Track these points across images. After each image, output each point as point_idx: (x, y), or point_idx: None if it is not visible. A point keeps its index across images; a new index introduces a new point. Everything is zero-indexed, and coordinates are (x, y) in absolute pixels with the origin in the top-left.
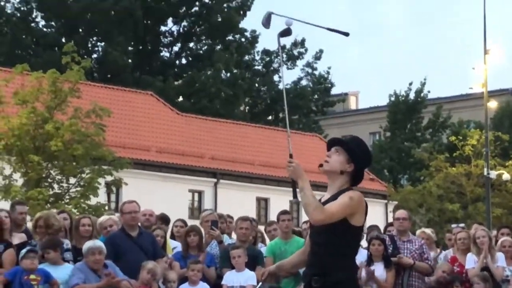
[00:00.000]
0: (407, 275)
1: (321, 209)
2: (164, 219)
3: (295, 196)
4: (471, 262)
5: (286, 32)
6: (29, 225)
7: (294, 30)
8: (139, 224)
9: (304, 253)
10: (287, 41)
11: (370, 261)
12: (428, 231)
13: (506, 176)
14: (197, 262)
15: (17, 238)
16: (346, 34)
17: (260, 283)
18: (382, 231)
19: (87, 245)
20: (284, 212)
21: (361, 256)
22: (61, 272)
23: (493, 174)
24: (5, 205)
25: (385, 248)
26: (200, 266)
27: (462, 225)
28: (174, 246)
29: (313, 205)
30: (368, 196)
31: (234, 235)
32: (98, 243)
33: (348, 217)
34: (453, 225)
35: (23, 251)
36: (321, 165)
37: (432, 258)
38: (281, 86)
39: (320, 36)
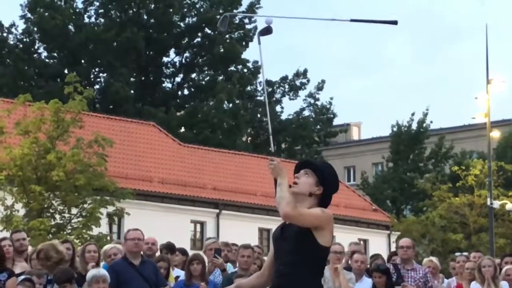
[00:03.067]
0: None
1: (293, 205)
2: (170, 248)
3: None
4: None
5: (266, 31)
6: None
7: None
8: (142, 252)
9: (262, 276)
10: (289, 72)
11: None
12: (435, 260)
13: (509, 206)
14: None
15: (19, 267)
16: (395, 23)
17: None
18: (385, 260)
19: (91, 273)
20: None
21: (365, 285)
22: None
23: (496, 204)
24: (7, 235)
25: (387, 278)
26: None
27: (465, 253)
28: (177, 275)
29: (287, 199)
30: (371, 226)
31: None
32: (102, 271)
33: (316, 234)
34: (457, 254)
35: (19, 280)
36: (289, 186)
37: (436, 286)
38: (285, 115)
39: (322, 66)
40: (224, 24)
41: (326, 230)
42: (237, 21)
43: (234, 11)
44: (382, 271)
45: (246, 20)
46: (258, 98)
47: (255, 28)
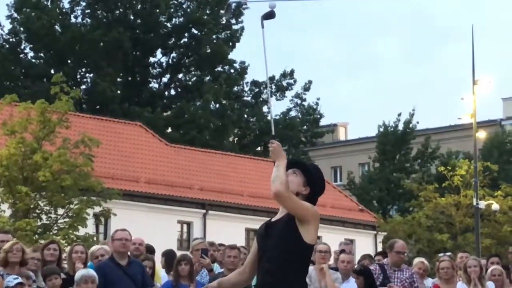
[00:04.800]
0: None
1: (287, 186)
2: (149, 249)
3: None
4: None
5: (269, 15)
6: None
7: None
8: (129, 253)
9: (243, 273)
10: (276, 72)
11: None
12: (426, 261)
13: (495, 206)
14: None
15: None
16: None
17: None
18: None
19: (80, 273)
20: None
21: (352, 285)
22: None
23: (482, 204)
24: None
25: (365, 279)
26: None
27: (449, 253)
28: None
29: (282, 179)
30: (358, 227)
31: None
32: (91, 271)
33: (301, 229)
34: (441, 254)
35: (11, 281)
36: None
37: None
38: (269, 117)
39: (309, 67)
40: (229, 11)
41: (312, 226)
42: (223, 21)
43: (221, 11)
44: (358, 273)
45: (233, 21)
46: (245, 98)
47: (242, 28)
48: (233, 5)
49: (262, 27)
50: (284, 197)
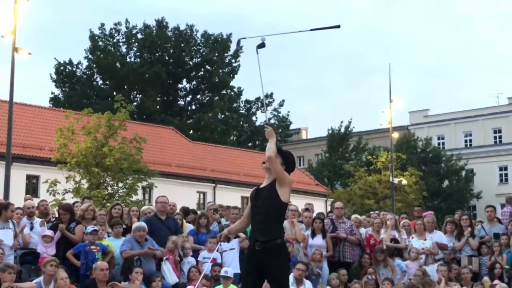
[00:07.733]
0: (342, 244)
1: (276, 154)
2: (184, 210)
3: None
4: (384, 235)
5: (261, 45)
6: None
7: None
8: (166, 211)
9: (243, 222)
10: (261, 93)
11: (313, 233)
12: (359, 217)
13: (404, 181)
14: (213, 237)
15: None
16: (338, 26)
17: (220, 243)
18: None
19: (135, 224)
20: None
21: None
22: (120, 242)
23: (396, 180)
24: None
25: (322, 223)
26: (215, 240)
27: (377, 212)
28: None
29: (274, 149)
30: (314, 195)
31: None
32: (142, 223)
33: (279, 191)
34: (371, 212)
35: (89, 229)
36: (264, 163)
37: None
38: (258, 122)
39: (283, 91)
40: (239, 45)
41: (287, 188)
42: (227, 61)
43: (225, 54)
44: (317, 218)
45: (233, 60)
46: (241, 111)
47: (239, 65)
48: (241, 40)
49: (257, 53)
50: (273, 161)
